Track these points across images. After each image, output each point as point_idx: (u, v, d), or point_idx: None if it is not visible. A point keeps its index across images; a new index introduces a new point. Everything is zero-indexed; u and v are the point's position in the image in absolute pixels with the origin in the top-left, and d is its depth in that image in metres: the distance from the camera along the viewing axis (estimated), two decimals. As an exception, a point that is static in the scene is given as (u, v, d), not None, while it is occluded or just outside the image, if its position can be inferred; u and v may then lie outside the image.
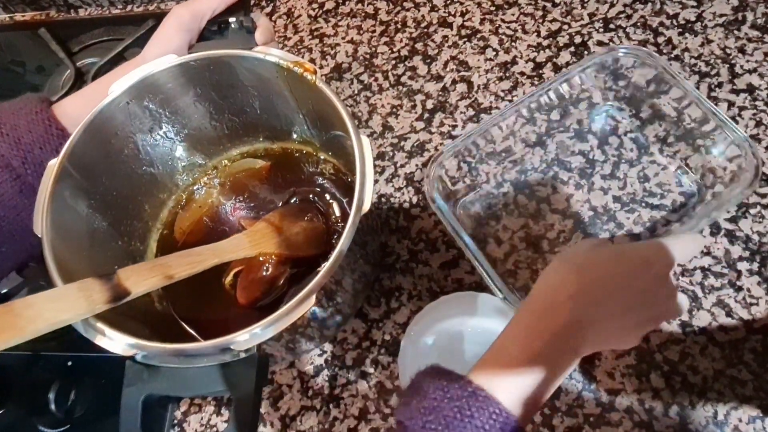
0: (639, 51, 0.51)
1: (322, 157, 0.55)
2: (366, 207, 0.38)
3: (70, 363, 0.57)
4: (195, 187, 0.57)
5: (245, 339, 0.35)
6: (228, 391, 0.38)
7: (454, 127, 0.59)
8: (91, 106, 0.44)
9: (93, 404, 0.55)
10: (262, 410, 0.52)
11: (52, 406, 0.53)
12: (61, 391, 0.54)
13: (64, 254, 0.41)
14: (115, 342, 0.37)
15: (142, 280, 0.38)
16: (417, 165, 0.58)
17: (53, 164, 0.42)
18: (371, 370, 0.51)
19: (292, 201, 0.53)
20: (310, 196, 0.53)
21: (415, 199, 0.57)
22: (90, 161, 0.45)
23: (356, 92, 0.64)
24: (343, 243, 0.37)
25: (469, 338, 0.48)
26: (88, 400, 0.55)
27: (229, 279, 0.49)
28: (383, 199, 0.57)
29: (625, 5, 0.61)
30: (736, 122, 0.53)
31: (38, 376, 0.56)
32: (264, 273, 0.48)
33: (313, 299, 0.36)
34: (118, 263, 0.44)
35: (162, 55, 0.46)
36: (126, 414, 0.41)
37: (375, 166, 0.55)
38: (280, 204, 0.53)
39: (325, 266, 0.37)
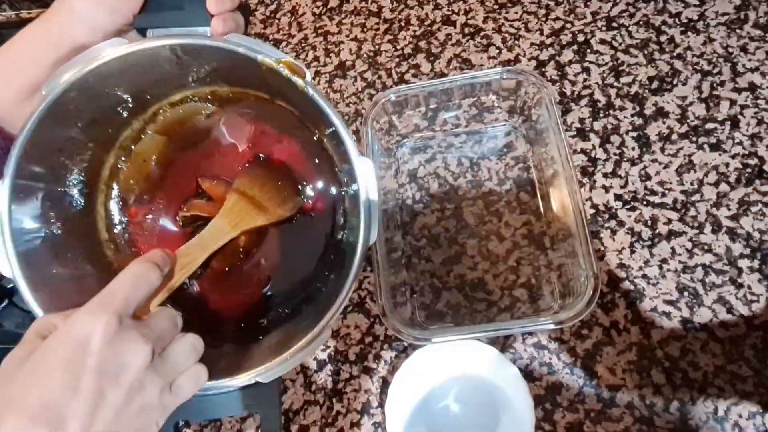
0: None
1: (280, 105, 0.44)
2: (373, 238, 0.37)
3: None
4: (138, 138, 0.44)
5: (267, 374, 0.35)
6: (246, 410, 0.38)
7: (457, 125, 0.59)
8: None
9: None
10: (266, 404, 0.52)
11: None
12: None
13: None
14: None
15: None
16: (420, 162, 0.58)
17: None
18: (374, 365, 0.52)
19: (258, 158, 0.44)
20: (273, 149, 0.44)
21: (417, 196, 0.57)
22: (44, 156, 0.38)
23: (360, 90, 0.64)
24: (351, 279, 0.37)
25: (457, 390, 0.49)
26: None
27: (188, 213, 0.44)
28: (388, 196, 0.58)
29: (627, 4, 0.61)
30: (738, 121, 0.53)
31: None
32: (241, 259, 0.43)
33: (329, 331, 0.37)
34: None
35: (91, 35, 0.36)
36: None
37: (380, 162, 0.56)
38: (242, 160, 0.44)
39: (338, 300, 0.37)
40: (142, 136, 0.44)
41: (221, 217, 0.42)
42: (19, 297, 0.60)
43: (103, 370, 0.28)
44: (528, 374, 0.48)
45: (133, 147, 0.44)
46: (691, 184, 0.52)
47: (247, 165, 0.45)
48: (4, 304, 0.60)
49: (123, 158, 0.44)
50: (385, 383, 0.51)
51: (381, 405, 0.50)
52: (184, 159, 0.45)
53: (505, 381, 0.47)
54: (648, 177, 0.53)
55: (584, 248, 0.44)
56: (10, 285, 0.62)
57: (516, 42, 0.62)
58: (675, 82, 0.56)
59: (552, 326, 0.43)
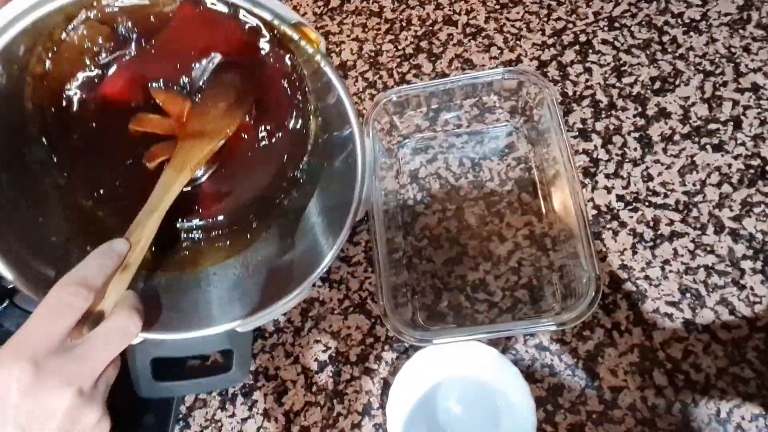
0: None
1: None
2: (361, 215, 0.39)
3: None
4: (70, 27, 0.36)
5: (248, 323, 0.38)
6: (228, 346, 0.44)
7: (459, 126, 0.59)
8: None
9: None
10: (266, 405, 0.52)
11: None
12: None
13: None
14: None
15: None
16: (421, 162, 0.58)
17: None
18: (375, 366, 0.52)
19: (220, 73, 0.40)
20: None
21: (419, 196, 0.57)
22: None
23: (361, 90, 0.64)
24: (336, 247, 0.39)
25: (458, 392, 0.49)
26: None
27: (154, 165, 0.42)
28: (389, 196, 0.58)
29: (630, 4, 0.61)
30: (741, 121, 0.53)
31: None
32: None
33: (310, 288, 0.40)
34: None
35: None
36: (138, 370, 0.46)
37: (381, 163, 0.55)
38: (196, 58, 0.40)
39: (325, 261, 0.38)
40: (79, 23, 0.36)
41: (170, 170, 0.38)
42: (20, 297, 0.60)
43: (25, 424, 0.26)
44: (529, 376, 0.48)
45: (65, 35, 0.36)
46: (694, 185, 0.52)
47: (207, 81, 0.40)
48: (5, 304, 0.60)
49: (53, 49, 0.37)
50: (386, 384, 0.51)
51: (382, 406, 0.50)
52: (131, 58, 0.38)
53: (507, 382, 0.47)
54: (650, 178, 0.53)
55: (586, 249, 0.44)
56: (11, 285, 0.62)
57: (518, 42, 0.62)
58: (677, 82, 0.56)
59: (554, 327, 0.43)
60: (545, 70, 0.60)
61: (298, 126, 0.43)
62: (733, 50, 0.56)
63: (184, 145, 0.39)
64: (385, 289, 0.46)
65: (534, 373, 0.48)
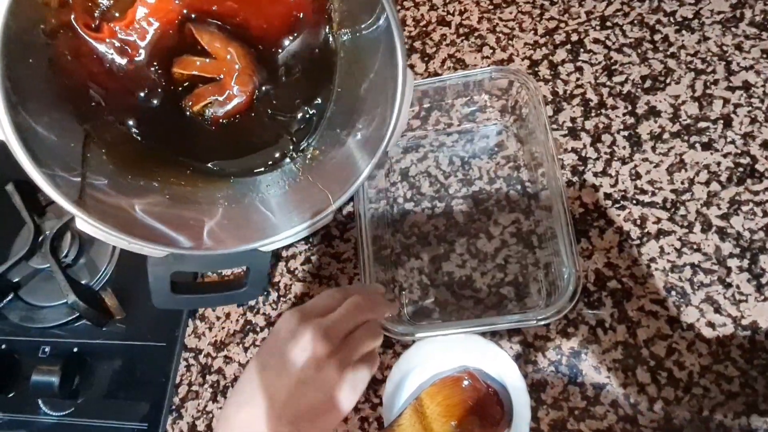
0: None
1: None
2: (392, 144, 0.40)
3: (76, 349, 0.59)
4: None
5: (272, 244, 0.42)
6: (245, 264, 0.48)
7: (450, 125, 0.60)
8: None
9: (97, 389, 0.57)
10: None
11: (58, 391, 0.55)
12: (66, 377, 0.56)
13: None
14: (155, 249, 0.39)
15: None
16: (412, 161, 0.59)
17: None
18: (362, 361, 0.52)
19: None
20: None
21: (409, 194, 0.58)
22: None
23: (355, 90, 0.65)
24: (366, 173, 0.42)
25: None
26: (92, 385, 0.57)
27: (198, 108, 0.45)
28: (380, 194, 0.58)
29: (622, 3, 0.61)
30: (731, 120, 0.53)
31: (45, 361, 0.58)
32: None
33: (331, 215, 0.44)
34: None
35: None
36: (156, 283, 0.48)
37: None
38: None
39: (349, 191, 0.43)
40: None
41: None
42: (24, 290, 0.62)
43: (288, 350, 0.36)
44: (513, 371, 0.49)
45: None
46: (682, 183, 0.52)
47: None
48: (9, 297, 0.62)
49: None
50: (373, 379, 0.51)
51: (368, 400, 0.51)
52: None
53: (497, 368, 0.47)
54: (638, 176, 0.53)
55: (567, 247, 0.44)
56: (16, 279, 0.64)
57: (510, 42, 0.63)
58: (668, 80, 0.56)
59: (534, 323, 0.43)
60: (536, 69, 0.60)
61: None
62: (725, 48, 0.56)
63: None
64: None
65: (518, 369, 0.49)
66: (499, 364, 0.47)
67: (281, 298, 0.57)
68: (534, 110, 0.51)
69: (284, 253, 0.59)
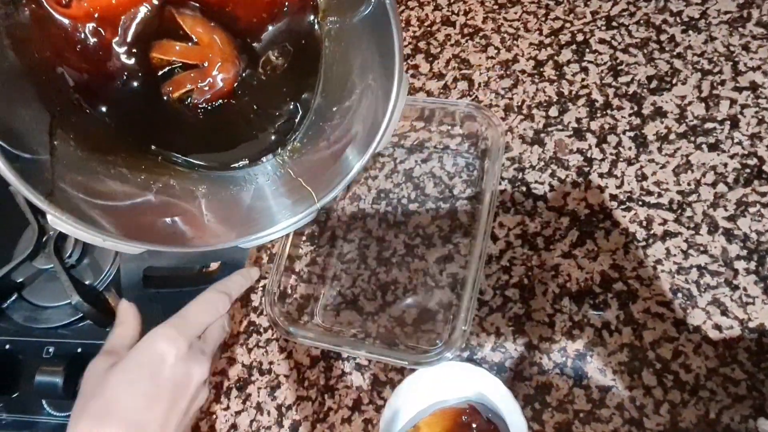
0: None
1: None
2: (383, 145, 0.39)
3: (79, 350, 0.59)
4: None
5: (254, 241, 0.41)
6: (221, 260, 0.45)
7: (453, 125, 0.59)
8: None
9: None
10: (260, 399, 0.53)
11: (62, 391, 0.55)
12: (70, 377, 0.56)
13: None
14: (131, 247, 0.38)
15: None
16: (416, 161, 0.59)
17: None
18: (365, 363, 0.52)
19: None
20: None
21: (413, 195, 0.57)
22: None
23: (359, 90, 0.65)
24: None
25: None
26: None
27: (177, 95, 0.42)
28: (382, 195, 0.58)
29: (628, 3, 0.61)
30: (738, 120, 0.52)
31: (49, 362, 0.58)
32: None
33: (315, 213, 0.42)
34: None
35: None
36: (127, 278, 0.45)
37: (375, 160, 0.56)
38: None
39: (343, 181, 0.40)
40: None
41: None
42: (28, 291, 0.62)
43: (177, 381, 0.36)
44: (518, 374, 0.48)
45: None
46: (688, 184, 0.51)
47: None
48: (13, 297, 0.62)
49: None
50: (376, 380, 0.51)
51: (372, 402, 0.51)
52: None
53: (498, 401, 0.46)
54: (644, 177, 0.52)
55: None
56: (20, 280, 0.64)
57: (515, 42, 0.62)
58: (674, 81, 0.56)
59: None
60: (541, 69, 0.60)
61: None
62: (732, 49, 0.55)
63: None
64: (377, 287, 0.47)
65: (522, 371, 0.48)
66: (500, 398, 0.45)
67: (286, 300, 0.57)
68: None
69: (290, 254, 0.58)
